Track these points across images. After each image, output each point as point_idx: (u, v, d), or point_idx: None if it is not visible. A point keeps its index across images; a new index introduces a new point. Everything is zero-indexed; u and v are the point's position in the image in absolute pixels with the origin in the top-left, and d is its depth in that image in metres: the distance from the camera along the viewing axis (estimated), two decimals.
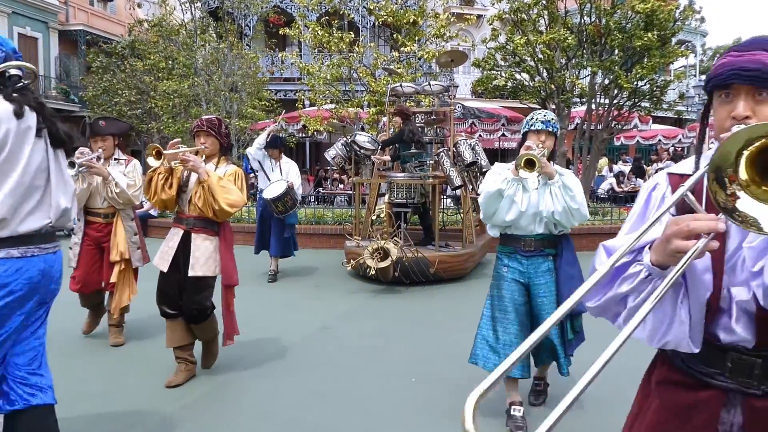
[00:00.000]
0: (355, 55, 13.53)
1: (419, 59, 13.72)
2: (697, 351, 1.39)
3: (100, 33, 24.84)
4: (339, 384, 4.32)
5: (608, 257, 1.41)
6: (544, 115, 3.61)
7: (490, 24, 13.03)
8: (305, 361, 4.82)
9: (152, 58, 17.24)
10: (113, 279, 5.05)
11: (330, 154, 8.76)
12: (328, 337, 5.54)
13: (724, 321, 1.40)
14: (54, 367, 2.85)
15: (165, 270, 4.19)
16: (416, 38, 13.55)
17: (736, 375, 1.40)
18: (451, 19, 13.73)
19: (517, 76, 12.94)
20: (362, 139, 8.39)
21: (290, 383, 4.32)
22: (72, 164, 4.42)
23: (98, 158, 4.92)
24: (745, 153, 1.13)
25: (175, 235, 4.20)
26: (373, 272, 7.14)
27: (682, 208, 1.39)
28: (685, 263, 1.22)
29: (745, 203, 1.14)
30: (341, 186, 18.00)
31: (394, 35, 13.92)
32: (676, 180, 1.54)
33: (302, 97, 14.93)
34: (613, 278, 1.40)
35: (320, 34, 13.28)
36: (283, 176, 7.95)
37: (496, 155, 21.84)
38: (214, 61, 16.10)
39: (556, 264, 3.64)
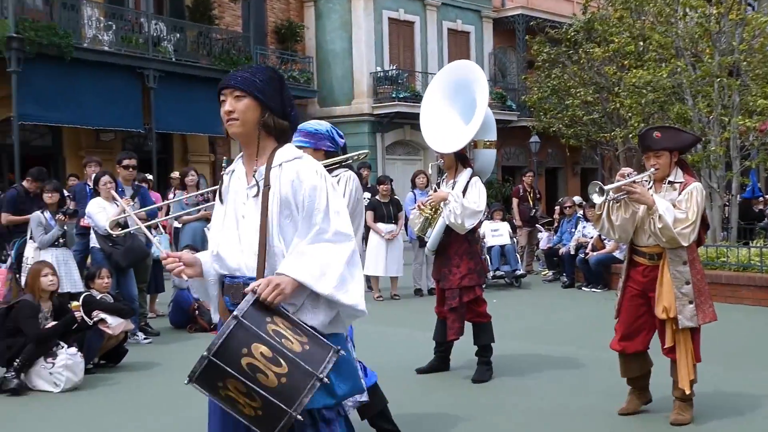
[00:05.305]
0: None
1: None
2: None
3: (544, 16, 21.42)
4: None
5: None
6: None
7: None
8: None
9: (616, 40, 13.94)
10: (668, 343, 4.50)
11: None
12: None
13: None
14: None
15: None
16: None
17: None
18: None
19: None
20: None
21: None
22: None
23: (649, 178, 4.49)
24: None
25: None
26: None
27: None
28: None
29: None
30: None
31: None
32: None
33: None
34: None
35: None
36: None
37: None
38: (703, 35, 12.64)
39: None
